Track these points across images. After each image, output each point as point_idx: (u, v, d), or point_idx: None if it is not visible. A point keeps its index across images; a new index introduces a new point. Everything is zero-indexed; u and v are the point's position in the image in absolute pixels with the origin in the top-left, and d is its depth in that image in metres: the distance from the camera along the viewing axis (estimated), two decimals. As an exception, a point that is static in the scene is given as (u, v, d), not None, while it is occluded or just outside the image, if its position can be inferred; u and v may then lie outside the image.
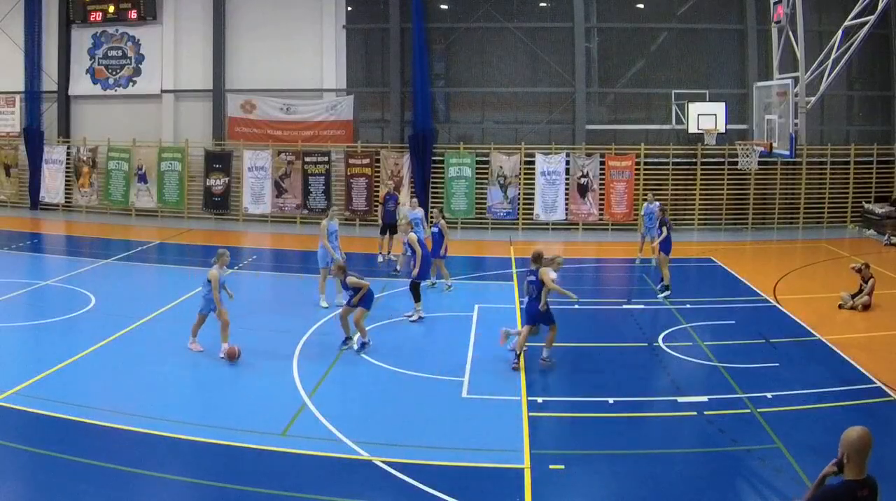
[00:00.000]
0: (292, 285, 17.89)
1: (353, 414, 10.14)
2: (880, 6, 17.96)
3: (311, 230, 24.85)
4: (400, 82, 26.00)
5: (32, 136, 27.72)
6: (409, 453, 8.78)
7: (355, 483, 8.22)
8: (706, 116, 23.61)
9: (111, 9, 27.40)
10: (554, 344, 11.93)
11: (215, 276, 11.99)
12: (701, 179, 24.85)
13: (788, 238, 24.01)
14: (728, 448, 9.08)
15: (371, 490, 8.10)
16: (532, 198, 24.99)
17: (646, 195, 21.29)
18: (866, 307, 15.18)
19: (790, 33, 20.25)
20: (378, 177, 25.43)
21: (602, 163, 24.79)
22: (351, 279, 12.14)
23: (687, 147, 25.01)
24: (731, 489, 8.29)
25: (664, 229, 16.61)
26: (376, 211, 23.65)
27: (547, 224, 25.00)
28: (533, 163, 24.86)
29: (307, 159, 25.79)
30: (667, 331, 13.57)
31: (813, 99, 19.82)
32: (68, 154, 27.66)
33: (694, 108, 23.75)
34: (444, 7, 26.51)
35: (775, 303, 15.69)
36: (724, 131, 23.79)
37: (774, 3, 20.89)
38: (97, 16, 27.50)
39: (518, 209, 25.09)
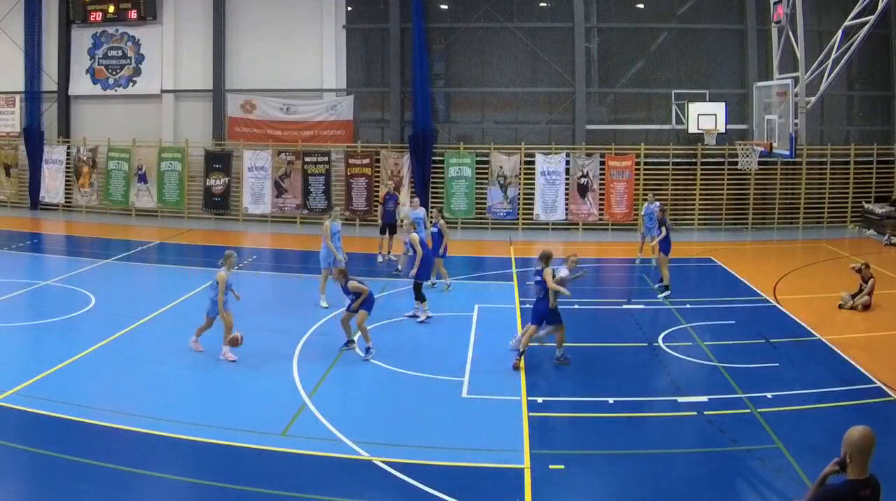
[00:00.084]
0: (292, 285, 17.89)
1: (353, 414, 10.14)
2: (880, 6, 17.96)
3: (311, 230, 24.87)
4: (400, 82, 26.00)
5: (32, 136, 27.72)
6: (409, 453, 8.78)
7: (355, 483, 8.22)
8: (706, 116, 23.62)
9: (111, 9, 27.39)
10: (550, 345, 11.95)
11: (223, 278, 11.89)
12: (701, 179, 24.85)
13: (788, 238, 24.01)
14: (728, 448, 9.08)
15: (371, 490, 8.10)
16: (532, 198, 24.99)
17: (646, 195, 21.29)
18: (866, 307, 15.18)
19: (790, 33, 20.25)
20: (378, 177, 25.44)
21: (602, 163, 24.79)
22: (352, 284, 12.05)
23: (687, 147, 25.01)
24: (731, 489, 8.29)
25: (663, 229, 16.65)
26: (376, 211, 23.64)
27: (547, 224, 25.00)
28: (533, 163, 24.86)
29: (307, 159, 25.79)
30: (667, 331, 13.58)
31: (813, 99, 19.82)
32: (68, 154, 27.66)
33: (694, 108, 23.75)
34: (444, 7, 26.51)
35: (775, 303, 15.69)
36: (724, 131, 23.80)
37: (774, 3, 20.89)
38: (97, 16, 27.50)
39: (518, 209, 25.09)
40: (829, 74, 19.38)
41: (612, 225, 24.83)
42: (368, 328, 12.41)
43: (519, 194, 25.01)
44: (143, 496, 7.94)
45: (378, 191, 24.73)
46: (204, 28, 26.78)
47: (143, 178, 26.91)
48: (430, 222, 17.82)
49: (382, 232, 19.96)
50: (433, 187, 25.33)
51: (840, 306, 15.33)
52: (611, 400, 10.48)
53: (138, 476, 8.21)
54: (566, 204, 24.91)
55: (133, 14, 27.25)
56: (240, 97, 26.62)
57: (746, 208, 25.03)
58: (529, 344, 11.87)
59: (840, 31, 19.32)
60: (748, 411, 10.08)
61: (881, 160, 24.89)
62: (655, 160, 24.99)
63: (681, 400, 10.52)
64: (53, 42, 27.81)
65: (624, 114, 26.10)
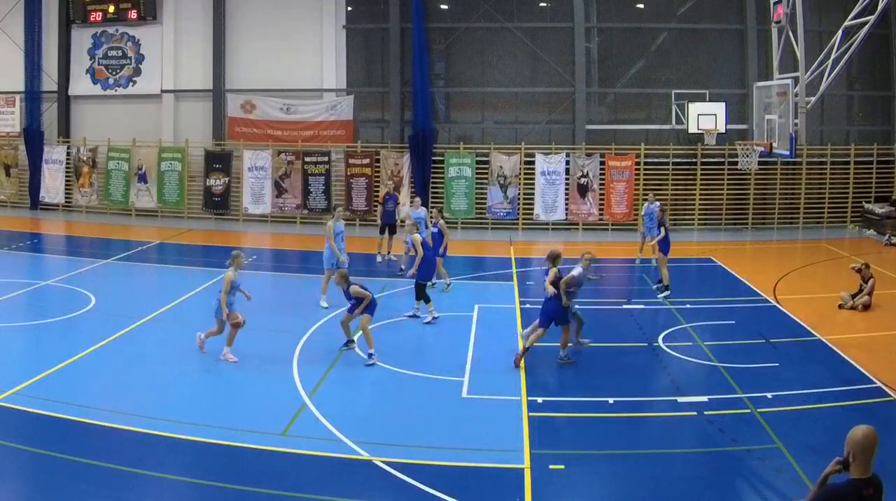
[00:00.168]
0: (292, 285, 17.89)
1: (353, 414, 10.13)
2: (880, 6, 17.97)
3: (311, 230, 24.91)
4: (400, 82, 26.00)
5: (32, 136, 27.72)
6: (409, 453, 8.78)
7: (355, 483, 8.22)
8: (706, 116, 23.61)
9: (111, 9, 27.39)
10: (557, 344, 11.96)
11: (229, 278, 11.84)
12: (701, 179, 24.85)
13: (788, 238, 24.01)
14: (728, 448, 9.08)
15: (371, 490, 8.10)
16: (532, 198, 24.99)
17: (646, 195, 21.29)
18: (866, 307, 15.18)
19: (790, 33, 20.25)
20: (378, 177, 25.43)
21: (602, 163, 24.80)
22: (354, 288, 11.91)
23: (687, 147, 25.01)
24: (731, 489, 8.29)
25: (663, 229, 16.67)
26: (376, 211, 23.64)
27: (547, 224, 25.00)
28: (533, 163, 24.86)
29: (307, 159, 25.79)
30: (667, 331, 13.58)
31: (813, 99, 19.83)
32: (68, 154, 27.66)
33: (694, 108, 23.75)
34: (444, 7, 26.52)
35: (775, 303, 15.69)
36: (724, 131, 23.80)
37: (774, 3, 20.90)
38: (97, 16, 27.51)
39: (518, 209, 25.09)
40: (829, 74, 19.39)
41: (612, 225, 24.84)
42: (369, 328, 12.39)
43: (519, 194, 25.01)
44: (143, 496, 7.93)
45: (378, 191, 24.73)
46: (204, 28, 26.78)
47: (143, 178, 26.91)
48: (431, 222, 17.81)
49: (382, 232, 19.97)
50: (433, 187, 25.33)
51: (840, 306, 15.33)
52: (611, 400, 10.48)
53: (138, 476, 8.21)
54: (566, 204, 24.91)
55: (133, 14, 27.25)
56: (240, 97, 26.62)
57: (746, 208, 25.03)
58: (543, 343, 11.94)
59: (840, 31, 19.33)
60: (748, 411, 10.08)
61: (881, 160, 24.89)
62: (655, 160, 24.99)
63: (681, 400, 10.52)
64: (53, 42, 27.81)
65: (624, 114, 26.10)
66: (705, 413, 10.07)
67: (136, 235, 23.73)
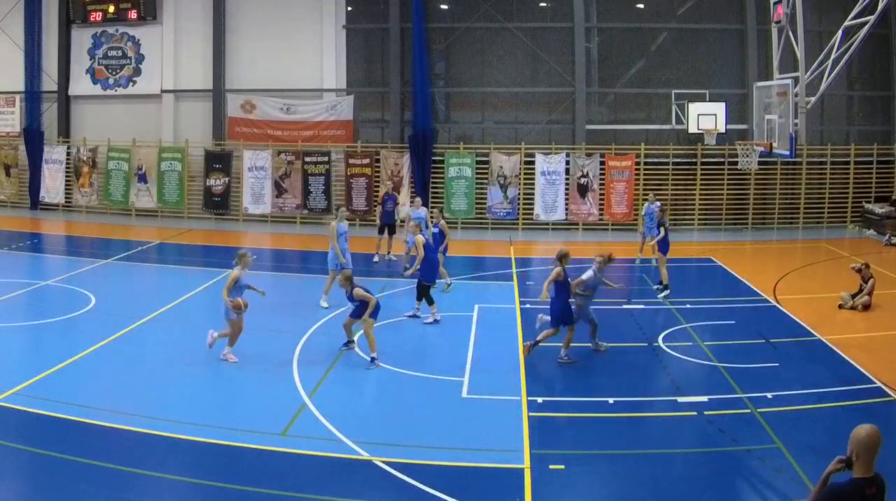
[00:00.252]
0: (292, 285, 17.88)
1: (353, 414, 10.13)
2: (880, 6, 17.97)
3: (311, 230, 24.91)
4: (400, 82, 26.00)
5: (32, 136, 27.72)
6: (409, 453, 8.78)
7: (355, 483, 8.22)
8: (706, 116, 23.62)
9: (111, 9, 27.39)
10: (559, 344, 11.99)
11: (233, 275, 11.82)
12: (701, 179, 24.85)
13: (788, 238, 24.01)
14: (728, 448, 9.08)
15: (371, 490, 8.10)
16: (532, 198, 25.00)
17: (646, 195, 21.30)
18: (866, 307, 15.18)
19: (790, 33, 20.25)
20: (378, 177, 25.43)
21: (602, 163, 24.80)
22: (358, 291, 11.81)
23: (687, 147, 25.01)
24: (731, 489, 8.29)
25: (662, 229, 16.70)
26: (376, 211, 23.63)
27: (547, 224, 25.00)
28: (533, 163, 24.86)
29: (307, 159, 25.79)
30: (667, 331, 13.58)
31: (813, 99, 19.83)
32: (68, 154, 27.67)
33: (694, 108, 23.75)
34: (444, 7, 26.52)
35: (775, 303, 15.69)
36: (724, 131, 23.80)
37: (774, 3, 20.90)
38: (97, 16, 27.51)
39: (518, 209, 25.09)
40: (829, 74, 19.39)
41: (612, 225, 24.84)
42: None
43: (519, 194, 25.01)
44: (143, 496, 7.93)
45: (378, 191, 24.72)
46: (204, 28, 26.78)
47: (143, 178, 26.91)
48: (431, 222, 17.81)
49: (381, 232, 19.98)
50: (433, 187, 25.33)
51: (840, 306, 15.33)
52: (611, 400, 10.48)
53: (138, 476, 8.21)
54: (566, 204, 24.91)
55: (133, 14, 27.25)
56: (240, 97, 26.62)
57: (746, 208, 25.03)
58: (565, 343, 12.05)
59: (840, 31, 19.33)
60: (748, 411, 10.08)
61: (881, 160, 24.89)
62: (655, 160, 25.00)
63: (681, 400, 10.52)
64: (53, 42, 27.81)
65: (624, 114, 26.10)
66: (705, 413, 10.06)
67: (136, 235, 23.74)
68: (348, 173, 25.58)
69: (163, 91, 27.26)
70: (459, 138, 26.11)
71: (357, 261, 17.62)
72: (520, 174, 24.96)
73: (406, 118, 26.12)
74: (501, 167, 25.04)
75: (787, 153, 19.83)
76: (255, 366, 11.70)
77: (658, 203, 18.96)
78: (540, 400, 10.50)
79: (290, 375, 11.33)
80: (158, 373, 11.36)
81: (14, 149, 28.27)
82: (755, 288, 16.88)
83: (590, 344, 12.55)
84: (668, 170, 24.93)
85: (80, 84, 27.99)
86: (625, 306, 15.61)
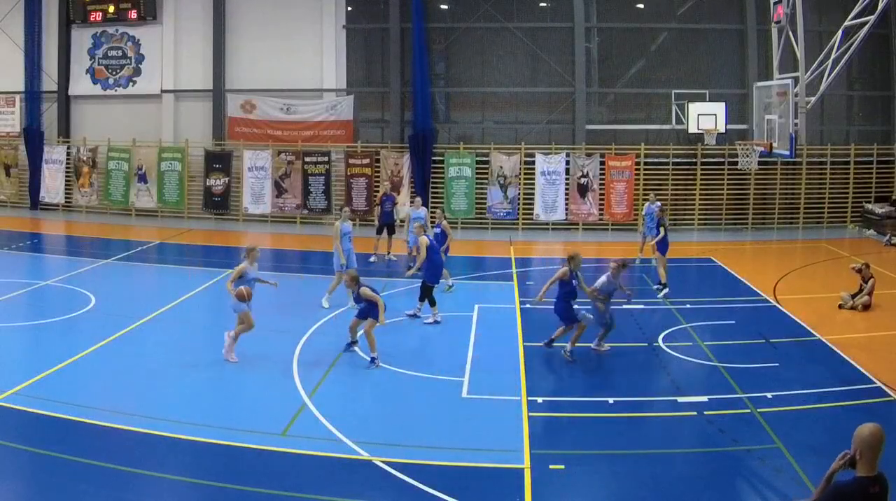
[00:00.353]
0: (292, 285, 17.82)
1: (353, 414, 10.13)
2: (880, 6, 17.96)
3: (311, 230, 24.92)
4: (400, 82, 26.00)
5: (32, 136, 27.72)
6: (409, 453, 8.77)
7: (355, 483, 8.22)
8: (706, 116, 23.62)
9: (111, 9, 27.40)
10: (561, 344, 11.99)
11: (240, 268, 11.81)
12: (701, 179, 24.85)
13: (788, 238, 24.01)
14: (728, 448, 9.08)
15: (371, 490, 8.10)
16: (532, 198, 25.00)
17: (646, 195, 21.30)
18: (866, 307, 15.18)
19: (790, 33, 20.25)
20: (378, 177, 25.43)
21: (602, 163, 24.80)
22: (364, 291, 11.75)
23: (687, 147, 25.02)
24: (731, 489, 8.29)
25: (662, 229, 16.71)
26: (375, 211, 23.62)
27: (547, 224, 25.00)
28: (533, 163, 24.86)
29: (307, 159, 25.79)
30: (667, 331, 13.57)
31: (813, 99, 19.82)
32: (68, 154, 27.67)
33: (694, 108, 23.75)
34: (444, 7, 26.52)
35: (775, 303, 15.69)
36: (724, 131, 23.80)
37: (774, 3, 20.89)
38: (97, 16, 27.51)
39: (518, 209, 25.09)
40: (829, 74, 19.38)
41: (612, 225, 24.84)
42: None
43: (519, 194, 25.01)
44: (143, 496, 7.93)
45: (378, 192, 24.71)
46: (204, 28, 26.78)
47: (143, 178, 26.92)
48: (433, 222, 17.80)
49: (379, 232, 20.00)
50: (433, 187, 25.33)
51: (840, 306, 15.33)
52: (611, 400, 10.48)
53: (138, 476, 8.21)
54: (566, 204, 24.92)
55: (133, 14, 27.25)
56: (240, 97, 26.62)
57: (746, 208, 25.03)
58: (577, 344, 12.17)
59: (840, 31, 19.32)
60: (748, 411, 10.08)
61: (881, 160, 24.89)
62: (655, 160, 25.00)
63: (681, 400, 10.52)
64: (53, 42, 27.81)
65: (624, 114, 26.10)
66: (705, 413, 10.06)
67: (136, 235, 23.74)
68: (348, 173, 25.58)
69: (163, 91, 27.27)
70: (459, 138, 26.11)
71: (358, 261, 17.60)
72: (520, 174, 24.96)
73: (406, 118, 26.12)
74: (501, 167, 25.04)
75: (787, 153, 19.83)
76: (255, 366, 11.70)
77: (658, 203, 18.96)
78: (540, 400, 10.50)
79: (290, 375, 11.33)
80: (158, 373, 11.35)
81: (14, 149, 28.27)
82: (755, 288, 16.88)
83: (591, 344, 12.54)
84: (668, 170, 24.93)
85: (80, 84, 27.99)
86: (625, 306, 15.58)
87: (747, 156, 22.39)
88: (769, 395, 10.56)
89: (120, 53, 27.72)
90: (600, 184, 24.84)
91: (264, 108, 26.45)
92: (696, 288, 17.50)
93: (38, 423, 9.43)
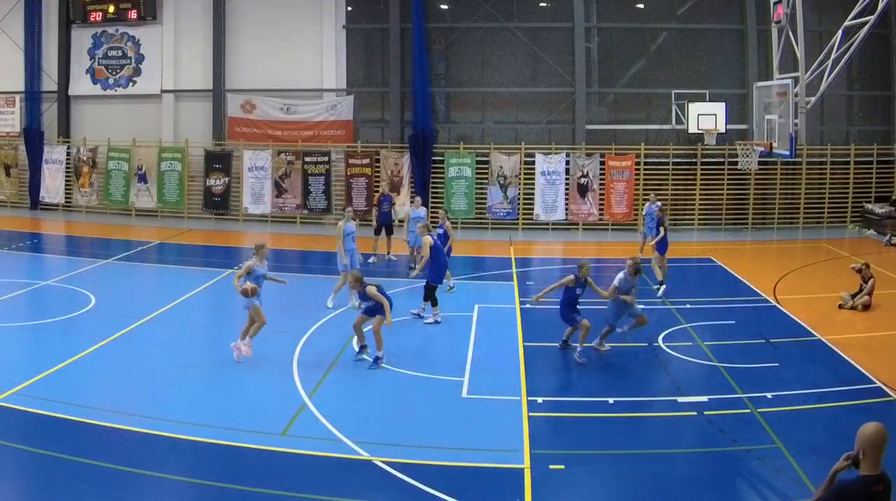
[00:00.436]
0: (292, 285, 17.78)
1: (353, 414, 10.13)
2: (880, 6, 17.96)
3: (311, 230, 24.92)
4: (400, 82, 26.00)
5: (32, 136, 27.72)
6: (409, 453, 8.78)
7: (355, 483, 8.22)
8: (706, 116, 23.62)
9: (111, 9, 27.40)
10: (556, 344, 11.98)
11: (248, 264, 11.81)
12: (701, 179, 24.85)
13: (788, 238, 24.01)
14: (728, 448, 9.08)
15: (371, 490, 8.10)
16: (532, 198, 25.00)
17: (647, 195, 21.30)
18: (866, 307, 15.18)
19: (790, 33, 20.25)
20: (378, 177, 25.42)
21: (602, 163, 24.80)
22: (371, 289, 11.68)
23: (687, 147, 25.01)
24: (731, 489, 8.29)
25: (662, 229, 16.72)
26: (373, 212, 23.62)
27: (547, 224, 25.00)
28: (533, 163, 24.86)
29: (307, 159, 25.79)
30: (667, 331, 13.57)
31: (813, 99, 19.82)
32: (68, 154, 27.67)
33: (694, 108, 23.75)
34: (444, 7, 26.51)
35: (775, 303, 15.69)
36: (724, 131, 23.80)
37: (774, 3, 20.90)
38: (97, 16, 27.51)
39: (518, 209, 25.09)
40: (829, 74, 19.38)
41: (612, 225, 24.84)
42: (366, 329, 12.26)
43: (519, 194, 25.01)
44: (143, 496, 7.93)
45: (378, 192, 24.70)
46: (204, 28, 26.78)
47: (143, 178, 26.92)
48: (435, 223, 17.75)
49: (377, 233, 20.01)
50: (433, 187, 25.33)
51: (840, 306, 15.33)
52: (611, 400, 10.48)
53: (138, 476, 8.21)
54: (566, 204, 24.91)
55: (133, 14, 27.25)
56: (240, 97, 26.62)
57: (746, 208, 25.03)
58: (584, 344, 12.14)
59: (840, 31, 19.33)
60: (748, 411, 10.08)
61: (881, 160, 24.89)
62: (655, 160, 25.00)
63: (681, 400, 10.52)
64: (53, 42, 27.81)
65: (624, 114, 26.09)
66: (705, 413, 10.07)
67: (136, 235, 23.73)
68: (348, 173, 25.57)
69: (163, 91, 27.26)
70: (459, 138, 26.11)
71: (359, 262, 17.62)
72: (520, 174, 24.96)
73: (406, 118, 26.12)
74: (501, 167, 25.04)
75: (787, 153, 19.83)
76: (256, 366, 11.69)
77: (659, 203, 18.95)
78: (540, 400, 10.50)
79: (290, 375, 11.33)
80: (158, 373, 11.35)
81: (14, 149, 28.27)
82: (755, 288, 16.88)
83: (593, 344, 12.55)
84: (668, 170, 24.93)
85: (80, 84, 27.99)
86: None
87: (747, 156, 22.39)
88: (769, 395, 10.56)
89: (120, 53, 27.71)
90: (600, 184, 24.84)
91: (264, 108, 26.45)
92: (696, 288, 17.50)
93: (38, 423, 9.43)
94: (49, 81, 27.95)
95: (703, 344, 13.02)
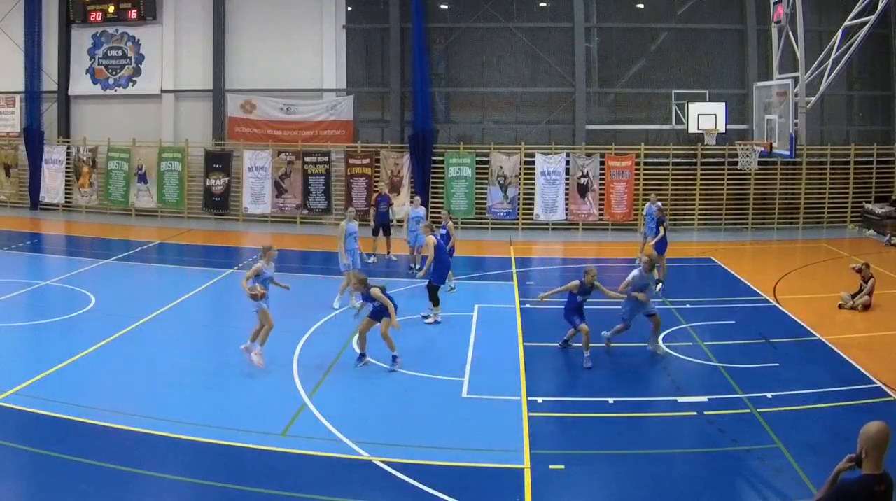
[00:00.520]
0: (293, 285, 17.80)
1: (353, 414, 10.13)
2: (880, 6, 17.96)
3: (311, 230, 24.92)
4: (400, 82, 26.00)
5: (32, 136, 27.72)
6: (409, 453, 8.78)
7: (355, 483, 8.22)
8: (706, 116, 23.62)
9: (111, 9, 27.40)
10: (556, 344, 11.98)
11: (256, 267, 11.78)
12: (701, 179, 24.85)
13: (788, 238, 24.01)
14: (728, 448, 9.08)
15: (371, 490, 8.10)
16: (532, 198, 24.99)
17: (647, 195, 21.29)
18: (866, 307, 15.18)
19: (790, 33, 20.25)
20: (378, 177, 25.42)
21: (602, 163, 24.80)
22: (375, 291, 11.59)
23: (687, 147, 25.01)
24: (731, 489, 8.29)
25: (661, 229, 16.72)
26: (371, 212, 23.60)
27: (547, 224, 25.00)
28: (533, 163, 24.86)
29: (307, 159, 25.79)
30: (667, 331, 13.56)
31: (813, 99, 19.82)
32: (68, 154, 27.67)
33: (694, 108, 23.75)
34: (444, 7, 26.51)
35: (775, 303, 15.69)
36: (724, 131, 23.80)
37: (774, 3, 20.89)
38: (97, 16, 27.51)
39: (518, 209, 25.09)
40: (829, 74, 19.38)
41: (612, 225, 24.84)
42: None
43: (519, 194, 25.01)
44: (143, 496, 7.94)
45: (377, 192, 24.69)
46: (204, 28, 26.78)
47: (143, 178, 26.92)
48: (437, 223, 17.74)
49: (375, 233, 20.00)
50: (433, 187, 25.33)
51: (840, 306, 15.33)
52: (611, 400, 10.48)
53: (138, 476, 8.21)
54: (566, 204, 24.91)
55: (133, 14, 27.25)
56: (240, 97, 26.62)
57: (746, 208, 25.03)
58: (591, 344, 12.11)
59: (840, 31, 19.32)
60: (748, 411, 10.08)
61: (881, 160, 24.89)
62: (655, 160, 25.00)
63: (681, 400, 10.52)
64: (53, 42, 27.81)
65: (624, 114, 26.09)
66: (705, 413, 10.07)
67: (136, 235, 23.73)
68: (348, 173, 25.57)
69: (163, 91, 27.27)
70: (459, 138, 26.11)
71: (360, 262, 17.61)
72: (520, 174, 24.96)
73: (406, 118, 26.12)
74: (501, 167, 25.04)
75: (787, 153, 19.83)
76: (256, 366, 11.68)
77: (659, 203, 18.93)
78: (540, 400, 10.50)
79: (290, 375, 11.33)
80: (158, 373, 11.35)
81: (14, 149, 28.27)
82: (755, 288, 16.88)
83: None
84: (668, 170, 24.93)
85: (80, 84, 27.99)
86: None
87: (747, 156, 22.39)
88: (769, 395, 10.56)
89: (120, 53, 27.72)
90: (600, 184, 24.84)
91: (264, 108, 26.45)
92: (696, 288, 17.49)
93: (38, 423, 9.43)
94: (49, 81, 27.95)
95: (703, 344, 13.02)
